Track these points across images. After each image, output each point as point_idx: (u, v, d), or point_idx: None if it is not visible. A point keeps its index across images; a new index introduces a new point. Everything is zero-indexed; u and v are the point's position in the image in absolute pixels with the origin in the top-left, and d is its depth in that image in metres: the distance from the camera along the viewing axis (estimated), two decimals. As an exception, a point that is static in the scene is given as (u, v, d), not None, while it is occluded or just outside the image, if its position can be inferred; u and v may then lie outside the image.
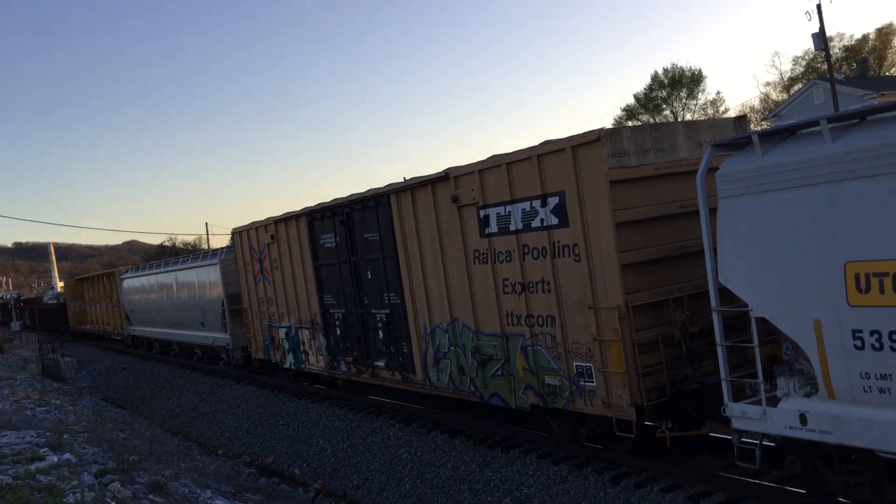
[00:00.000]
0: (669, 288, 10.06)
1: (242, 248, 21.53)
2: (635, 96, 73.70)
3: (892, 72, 64.90)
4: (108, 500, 9.29)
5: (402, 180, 14.17)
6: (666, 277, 10.06)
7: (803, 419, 7.82)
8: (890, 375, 7.00)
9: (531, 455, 11.81)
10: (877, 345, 7.05)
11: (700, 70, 71.29)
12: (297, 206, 16.77)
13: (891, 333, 6.93)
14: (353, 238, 15.78)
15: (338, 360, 17.22)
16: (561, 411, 11.35)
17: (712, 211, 8.61)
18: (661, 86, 72.10)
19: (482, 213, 12.02)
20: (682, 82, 71.33)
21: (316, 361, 18.21)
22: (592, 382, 10.51)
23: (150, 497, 10.24)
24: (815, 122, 7.68)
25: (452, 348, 13.24)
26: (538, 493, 10.87)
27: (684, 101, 71.60)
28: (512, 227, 11.48)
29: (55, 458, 11.40)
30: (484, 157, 12.00)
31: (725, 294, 8.55)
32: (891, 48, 67.48)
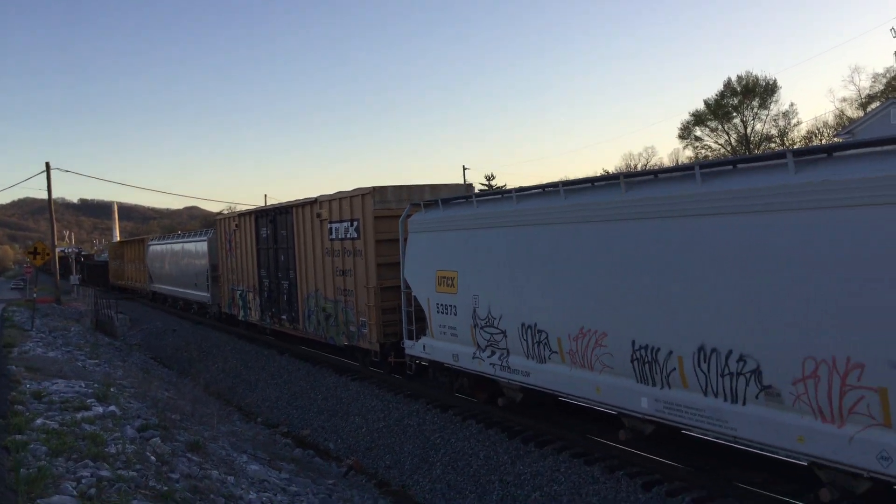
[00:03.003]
0: (406, 279, 17.54)
1: (221, 230, 29.66)
2: (705, 102, 71.97)
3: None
4: (147, 453, 9.42)
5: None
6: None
7: (425, 348, 15.37)
8: (445, 326, 14.51)
9: (564, 453, 11.96)
10: (442, 311, 14.54)
11: (775, 80, 69.12)
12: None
13: (445, 305, 14.41)
14: (276, 232, 23.63)
15: (265, 315, 25.17)
16: (357, 347, 19.02)
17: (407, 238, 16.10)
18: (734, 93, 70.16)
19: (329, 225, 19.68)
20: (755, 91, 69.14)
21: (254, 315, 26.22)
22: (366, 330, 18.13)
23: (188, 455, 10.40)
24: (435, 202, 15.20)
25: (315, 308, 21.00)
26: (568, 492, 10.91)
27: (756, 110, 69.84)
28: (340, 236, 19.12)
29: (101, 410, 11.73)
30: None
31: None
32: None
